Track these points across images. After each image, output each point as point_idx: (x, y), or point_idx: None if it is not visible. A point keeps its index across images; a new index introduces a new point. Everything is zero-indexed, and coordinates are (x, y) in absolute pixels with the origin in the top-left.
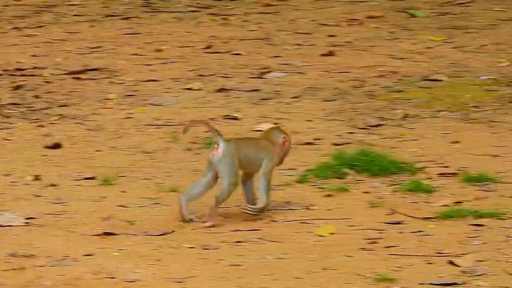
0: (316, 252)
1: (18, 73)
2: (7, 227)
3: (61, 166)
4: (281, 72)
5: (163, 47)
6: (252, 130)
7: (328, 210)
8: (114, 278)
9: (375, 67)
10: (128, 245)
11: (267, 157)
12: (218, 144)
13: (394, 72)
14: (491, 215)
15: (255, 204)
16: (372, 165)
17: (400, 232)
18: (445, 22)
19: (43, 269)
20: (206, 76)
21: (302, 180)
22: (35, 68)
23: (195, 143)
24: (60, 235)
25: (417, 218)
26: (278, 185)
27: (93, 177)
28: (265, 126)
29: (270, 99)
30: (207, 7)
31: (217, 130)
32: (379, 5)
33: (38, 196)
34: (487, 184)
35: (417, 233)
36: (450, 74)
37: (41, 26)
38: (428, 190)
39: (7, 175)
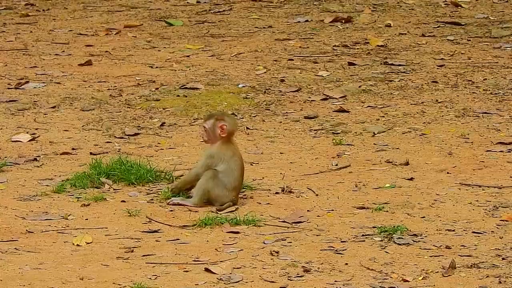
0: (73, 261)
1: None
2: None
3: None
4: (39, 83)
5: None
6: (9, 141)
7: (85, 219)
8: None
9: (132, 76)
10: None
11: None
12: None
13: (152, 81)
14: (247, 222)
15: None
16: (129, 174)
17: (157, 241)
18: (202, 31)
19: None
20: None
21: (59, 190)
22: None
23: None
24: None
25: (174, 226)
26: (35, 196)
27: None
28: (23, 137)
29: (27, 109)
30: None
31: None
32: (136, 15)
33: None
34: (244, 191)
35: (174, 241)
36: (207, 82)
37: None
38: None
39: None
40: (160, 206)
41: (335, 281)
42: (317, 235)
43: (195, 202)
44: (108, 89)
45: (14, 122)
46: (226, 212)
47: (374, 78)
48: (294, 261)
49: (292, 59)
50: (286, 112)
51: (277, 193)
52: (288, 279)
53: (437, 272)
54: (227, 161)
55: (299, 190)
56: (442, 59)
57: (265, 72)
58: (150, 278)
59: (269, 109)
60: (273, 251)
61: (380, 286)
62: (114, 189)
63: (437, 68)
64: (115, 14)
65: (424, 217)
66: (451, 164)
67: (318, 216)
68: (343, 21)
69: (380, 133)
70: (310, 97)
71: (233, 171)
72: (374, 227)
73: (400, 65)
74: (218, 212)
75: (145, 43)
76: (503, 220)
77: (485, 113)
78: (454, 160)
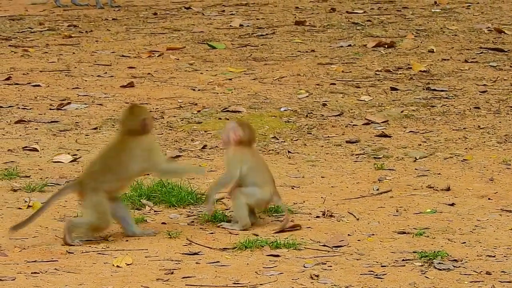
0: (113, 283)
1: None
2: None
3: None
4: (81, 104)
5: None
6: (50, 162)
7: (126, 241)
8: None
9: (174, 99)
10: None
11: None
12: None
13: (194, 104)
14: (288, 246)
15: None
16: (170, 196)
17: (197, 263)
18: (245, 54)
19: None
20: (4, 107)
21: None
22: None
23: None
24: None
25: (215, 249)
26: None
27: None
28: (64, 158)
29: (69, 130)
30: (7, 39)
31: None
32: (179, 37)
33: None
34: (284, 215)
35: (214, 264)
36: (249, 106)
37: None
38: (227, 221)
39: None
40: (200, 228)
41: None
42: (358, 259)
43: (243, 225)
44: (150, 111)
45: (56, 143)
46: (282, 231)
47: (417, 104)
48: (334, 285)
49: (334, 84)
50: (328, 136)
51: (317, 217)
52: None
53: None
54: (248, 161)
55: (340, 214)
56: (484, 85)
57: (307, 96)
58: None
59: (310, 133)
60: (313, 274)
61: None
62: (154, 211)
63: (480, 94)
64: (158, 37)
65: (464, 242)
66: (493, 190)
67: (358, 240)
68: (386, 46)
69: (422, 159)
70: (352, 122)
71: (257, 167)
72: (414, 252)
73: (442, 90)
74: (276, 233)
75: (188, 66)
76: None
77: None
78: (495, 186)
